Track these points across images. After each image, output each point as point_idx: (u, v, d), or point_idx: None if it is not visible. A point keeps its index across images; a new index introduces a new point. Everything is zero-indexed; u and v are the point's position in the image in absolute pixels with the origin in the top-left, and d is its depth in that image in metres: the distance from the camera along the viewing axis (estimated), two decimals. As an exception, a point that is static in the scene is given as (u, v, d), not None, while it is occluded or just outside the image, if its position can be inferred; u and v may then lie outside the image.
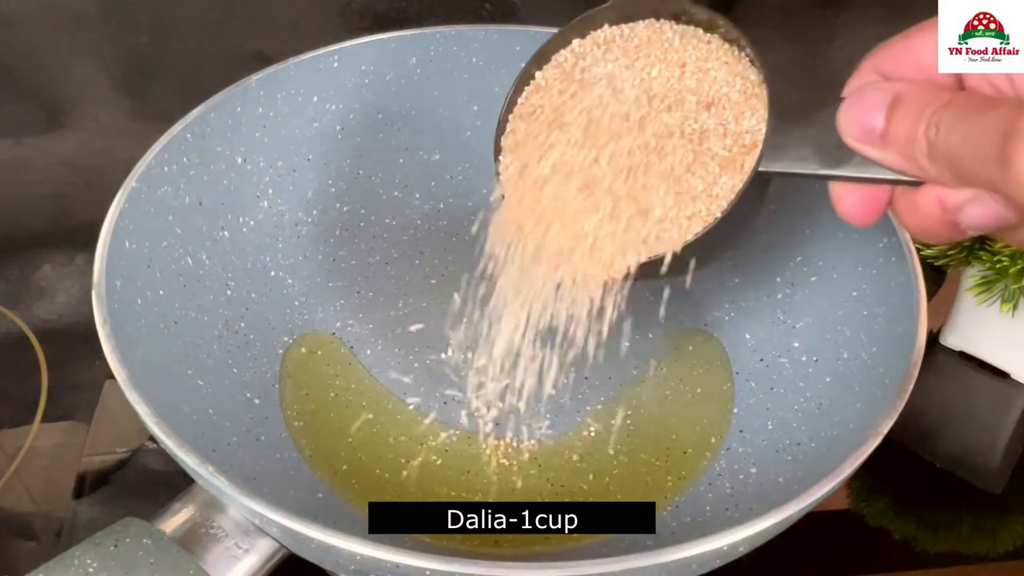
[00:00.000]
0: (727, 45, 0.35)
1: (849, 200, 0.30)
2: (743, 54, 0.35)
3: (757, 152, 0.32)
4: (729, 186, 0.33)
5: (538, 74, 0.38)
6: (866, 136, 0.28)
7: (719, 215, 0.33)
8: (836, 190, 0.30)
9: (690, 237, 0.34)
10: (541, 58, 0.38)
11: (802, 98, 0.31)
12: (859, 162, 0.29)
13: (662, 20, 0.37)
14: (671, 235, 0.34)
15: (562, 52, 0.38)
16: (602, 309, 0.36)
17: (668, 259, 0.34)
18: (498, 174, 0.37)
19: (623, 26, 0.37)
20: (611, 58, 0.36)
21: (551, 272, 0.36)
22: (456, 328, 0.44)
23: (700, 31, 0.36)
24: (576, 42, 0.38)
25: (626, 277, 0.35)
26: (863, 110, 0.28)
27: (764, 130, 0.32)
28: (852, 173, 0.29)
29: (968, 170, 0.25)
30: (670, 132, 0.34)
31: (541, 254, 0.36)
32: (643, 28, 0.37)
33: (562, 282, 0.36)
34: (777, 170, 0.32)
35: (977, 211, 0.27)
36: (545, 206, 0.35)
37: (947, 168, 0.26)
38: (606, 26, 0.37)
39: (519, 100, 0.38)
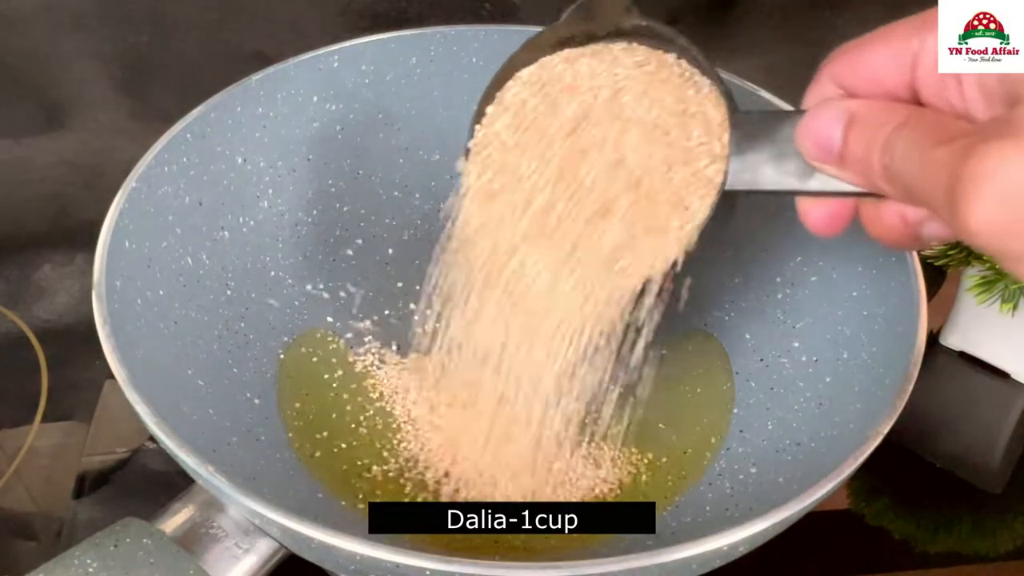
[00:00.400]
0: (682, 63, 0.35)
1: (815, 213, 0.30)
2: (698, 70, 0.34)
3: (721, 174, 0.32)
4: (696, 207, 0.33)
5: (489, 109, 0.37)
6: (824, 156, 0.28)
7: (687, 248, 0.33)
8: (802, 204, 0.30)
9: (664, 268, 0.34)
10: (489, 95, 0.37)
11: (762, 116, 0.31)
12: (822, 177, 0.29)
13: (611, 45, 0.36)
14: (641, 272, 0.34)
15: (509, 86, 0.37)
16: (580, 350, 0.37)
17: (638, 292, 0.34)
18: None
19: (567, 53, 0.36)
20: (552, 100, 0.35)
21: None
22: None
23: (650, 50, 0.35)
24: (526, 72, 0.37)
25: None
26: (819, 130, 0.28)
27: (726, 151, 0.32)
28: (816, 188, 0.29)
29: (922, 199, 0.25)
30: (623, 178, 0.33)
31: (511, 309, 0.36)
32: (589, 58, 0.36)
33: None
34: (742, 189, 0.31)
35: (936, 226, 0.28)
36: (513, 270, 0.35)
37: (902, 192, 0.26)
38: (544, 60, 0.36)
39: (470, 145, 0.37)
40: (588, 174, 0.34)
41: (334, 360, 0.46)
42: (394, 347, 0.47)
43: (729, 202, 0.32)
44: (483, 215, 0.36)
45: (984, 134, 0.23)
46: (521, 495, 0.40)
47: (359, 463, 0.42)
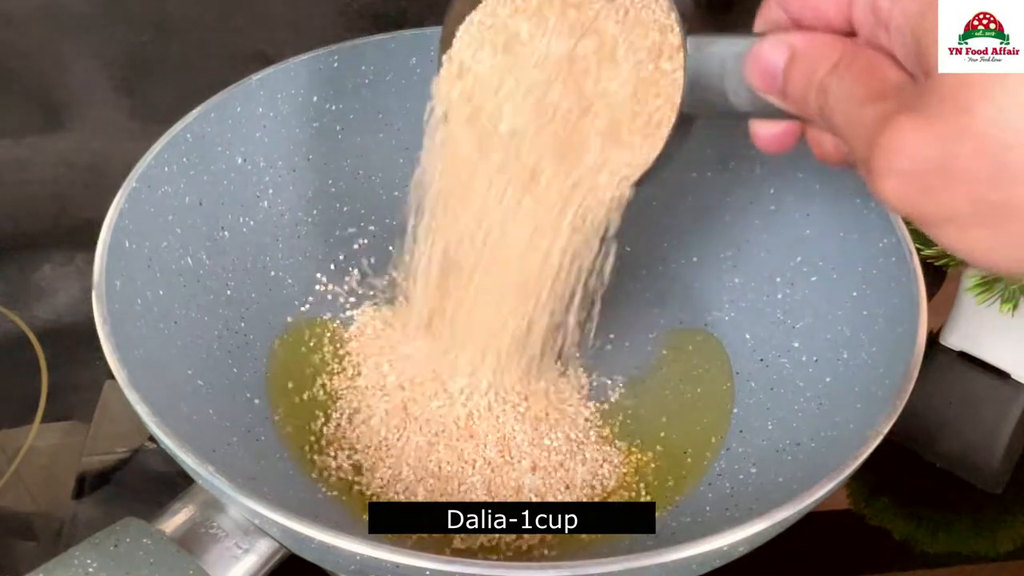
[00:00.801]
0: None
1: (764, 132, 0.32)
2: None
3: (678, 97, 0.33)
4: (654, 132, 0.34)
5: (459, 32, 0.38)
6: (768, 88, 0.29)
7: (647, 167, 0.34)
8: (753, 124, 0.32)
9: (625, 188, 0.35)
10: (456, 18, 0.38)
11: (713, 40, 0.31)
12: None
13: None
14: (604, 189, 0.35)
15: (466, 21, 0.37)
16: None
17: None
18: None
19: None
20: (515, 23, 0.36)
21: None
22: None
23: None
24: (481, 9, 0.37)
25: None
26: (763, 64, 0.29)
27: (682, 75, 0.33)
28: (765, 112, 0.30)
29: (849, 148, 0.26)
30: (583, 103, 0.34)
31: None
32: None
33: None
34: (698, 113, 0.33)
35: None
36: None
37: (834, 132, 0.27)
38: None
39: (440, 74, 0.38)
40: (555, 98, 0.35)
41: (334, 360, 0.46)
42: (396, 348, 0.47)
43: (685, 125, 0.33)
44: (462, 137, 0.37)
45: (901, 101, 0.24)
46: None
47: (359, 463, 0.42)
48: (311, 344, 0.46)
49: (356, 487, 0.41)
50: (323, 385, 0.45)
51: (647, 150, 0.34)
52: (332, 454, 0.42)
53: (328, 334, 0.47)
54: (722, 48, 0.31)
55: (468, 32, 0.37)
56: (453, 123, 0.37)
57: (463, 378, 0.43)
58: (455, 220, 0.39)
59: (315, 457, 0.42)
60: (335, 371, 0.45)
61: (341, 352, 0.46)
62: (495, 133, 0.36)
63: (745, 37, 0.30)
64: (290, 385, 0.44)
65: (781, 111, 0.29)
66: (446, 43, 0.38)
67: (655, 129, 0.34)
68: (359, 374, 0.45)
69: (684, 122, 0.33)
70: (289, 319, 0.47)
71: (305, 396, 0.44)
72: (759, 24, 0.30)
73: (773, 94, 0.29)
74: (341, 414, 0.44)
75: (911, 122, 0.23)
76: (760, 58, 0.29)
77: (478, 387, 0.43)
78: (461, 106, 0.37)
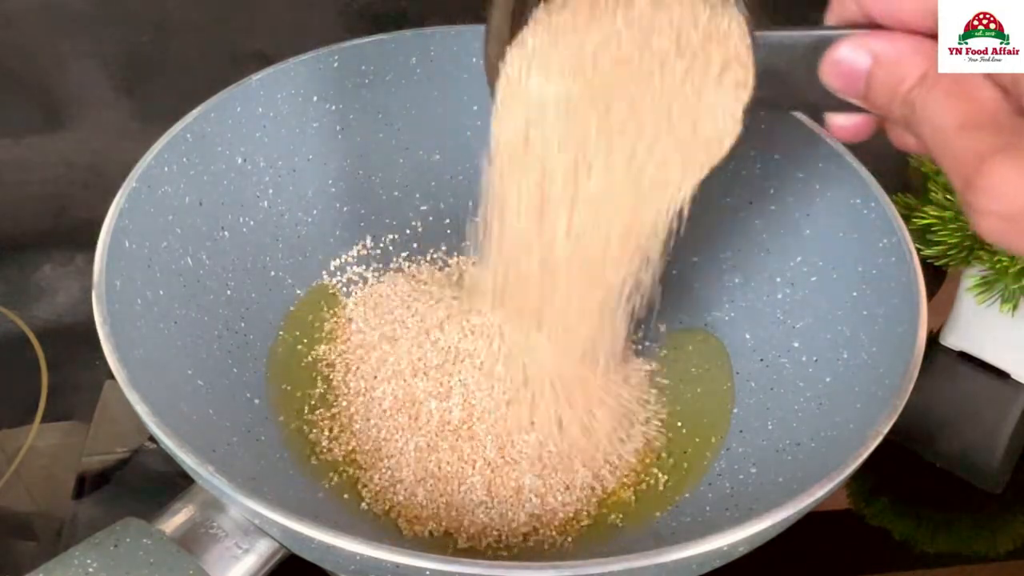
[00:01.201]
0: None
1: (841, 123, 0.31)
2: None
3: (747, 96, 0.33)
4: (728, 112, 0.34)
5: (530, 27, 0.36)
6: (849, 92, 0.29)
7: (726, 150, 0.34)
8: (829, 114, 0.31)
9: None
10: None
11: (783, 37, 0.31)
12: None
13: None
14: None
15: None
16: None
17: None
18: None
19: None
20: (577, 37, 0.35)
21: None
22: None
23: None
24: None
25: None
26: (843, 69, 0.28)
27: (750, 73, 0.32)
28: (841, 107, 0.30)
29: (939, 165, 0.26)
30: (652, 101, 0.34)
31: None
32: None
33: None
34: (768, 105, 0.33)
35: None
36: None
37: (920, 139, 0.27)
38: None
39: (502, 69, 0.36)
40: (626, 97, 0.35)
41: (330, 353, 0.46)
42: (396, 349, 0.47)
43: (752, 116, 0.33)
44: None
45: (1000, 136, 0.24)
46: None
47: (359, 463, 0.42)
48: (311, 343, 0.46)
49: (356, 487, 0.41)
50: (323, 384, 0.45)
51: (721, 144, 0.34)
52: (332, 454, 0.42)
53: (328, 333, 0.47)
54: (793, 41, 0.30)
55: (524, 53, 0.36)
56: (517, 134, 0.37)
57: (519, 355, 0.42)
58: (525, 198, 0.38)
59: (315, 457, 0.42)
60: (335, 370, 0.45)
61: (341, 351, 0.46)
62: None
63: (816, 30, 0.29)
64: (290, 385, 0.44)
65: (859, 107, 0.29)
66: (494, 64, 0.37)
67: (727, 124, 0.34)
68: (359, 374, 0.45)
69: (749, 114, 0.33)
70: (289, 318, 0.47)
71: (305, 395, 0.44)
72: (832, 17, 0.29)
73: (854, 98, 0.28)
74: (341, 413, 0.44)
75: (1012, 165, 0.23)
76: (840, 62, 0.28)
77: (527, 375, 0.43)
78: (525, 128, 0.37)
